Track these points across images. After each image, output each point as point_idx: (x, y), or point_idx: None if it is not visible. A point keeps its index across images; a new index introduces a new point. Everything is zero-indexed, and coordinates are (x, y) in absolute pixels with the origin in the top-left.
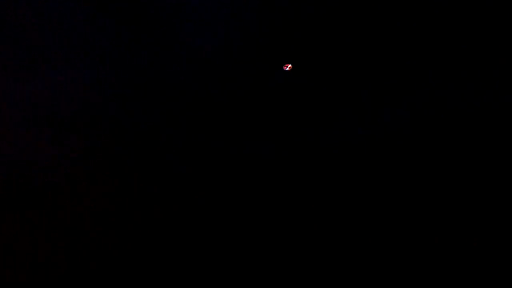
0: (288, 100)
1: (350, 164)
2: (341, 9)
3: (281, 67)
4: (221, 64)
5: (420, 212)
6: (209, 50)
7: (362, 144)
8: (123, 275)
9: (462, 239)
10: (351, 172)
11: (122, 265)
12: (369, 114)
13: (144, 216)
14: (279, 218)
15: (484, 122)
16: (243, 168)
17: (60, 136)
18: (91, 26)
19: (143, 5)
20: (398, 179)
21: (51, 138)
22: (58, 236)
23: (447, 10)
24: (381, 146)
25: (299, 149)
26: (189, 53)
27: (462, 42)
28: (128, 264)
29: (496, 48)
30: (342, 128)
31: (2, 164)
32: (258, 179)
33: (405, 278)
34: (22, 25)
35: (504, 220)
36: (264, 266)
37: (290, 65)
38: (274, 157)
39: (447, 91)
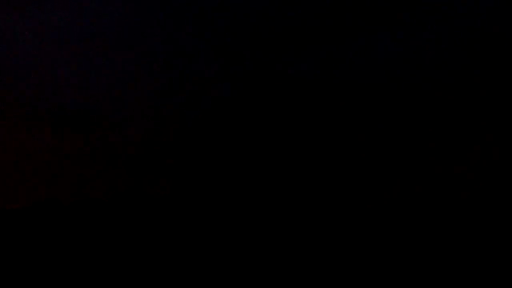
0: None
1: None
2: None
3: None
4: None
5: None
6: None
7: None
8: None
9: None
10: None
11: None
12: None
13: (187, 137)
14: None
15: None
16: (286, 86)
17: (101, 59)
18: None
19: None
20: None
21: (93, 60)
22: (109, 155)
23: None
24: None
25: (332, 67)
26: None
27: None
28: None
29: None
30: (360, 52)
31: (39, 87)
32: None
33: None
34: None
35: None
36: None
37: None
38: (312, 75)
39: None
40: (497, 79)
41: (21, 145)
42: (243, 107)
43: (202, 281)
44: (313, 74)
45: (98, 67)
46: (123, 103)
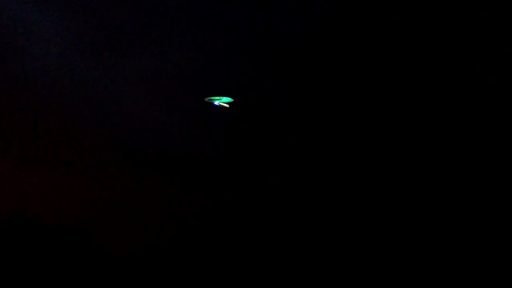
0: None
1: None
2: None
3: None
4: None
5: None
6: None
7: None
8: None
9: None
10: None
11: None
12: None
13: (266, 177)
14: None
15: None
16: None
17: (183, 103)
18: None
19: None
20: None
21: (178, 107)
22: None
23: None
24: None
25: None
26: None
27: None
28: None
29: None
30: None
31: (129, 131)
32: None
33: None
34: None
35: None
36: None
37: (224, 102)
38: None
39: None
40: None
41: (113, 188)
42: (317, 146)
43: None
44: (386, 107)
45: (181, 111)
46: (205, 146)
